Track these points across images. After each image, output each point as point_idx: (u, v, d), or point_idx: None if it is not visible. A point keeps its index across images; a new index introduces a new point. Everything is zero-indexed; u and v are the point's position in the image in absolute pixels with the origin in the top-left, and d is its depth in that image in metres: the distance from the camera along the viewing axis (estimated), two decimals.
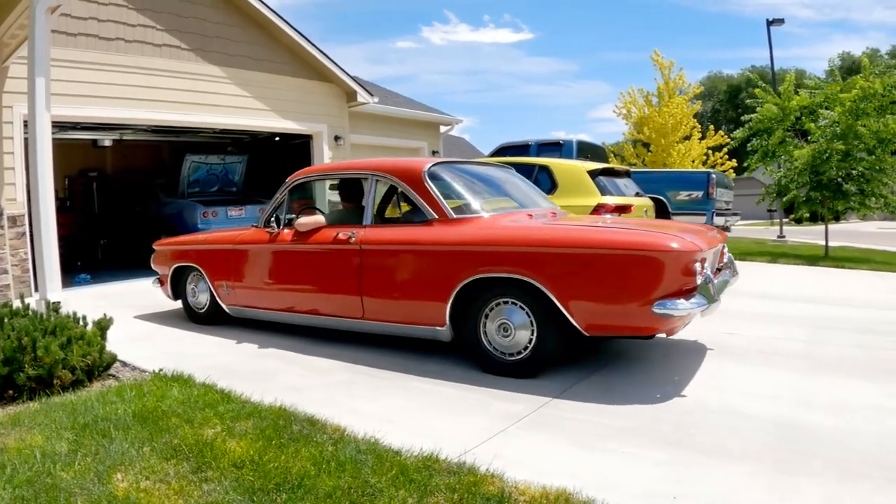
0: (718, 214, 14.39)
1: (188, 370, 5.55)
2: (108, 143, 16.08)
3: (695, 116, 26.67)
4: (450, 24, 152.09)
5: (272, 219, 7.13)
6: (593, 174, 9.83)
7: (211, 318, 7.87)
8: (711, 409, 4.69)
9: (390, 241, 6.07)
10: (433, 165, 6.32)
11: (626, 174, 11.48)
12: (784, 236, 24.34)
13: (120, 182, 17.47)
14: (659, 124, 25.00)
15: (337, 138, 16.18)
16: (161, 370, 5.57)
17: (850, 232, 29.81)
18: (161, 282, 8.58)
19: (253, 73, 14.36)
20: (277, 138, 16.86)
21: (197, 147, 16.53)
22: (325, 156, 15.93)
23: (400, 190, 6.37)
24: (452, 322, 5.66)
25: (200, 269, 7.86)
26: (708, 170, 17.86)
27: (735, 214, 16.16)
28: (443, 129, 22.59)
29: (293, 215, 7.09)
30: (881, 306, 8.66)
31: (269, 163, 17.58)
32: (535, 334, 5.28)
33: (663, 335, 5.13)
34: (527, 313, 5.28)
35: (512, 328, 5.35)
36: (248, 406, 4.65)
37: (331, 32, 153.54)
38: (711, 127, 27.83)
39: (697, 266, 4.93)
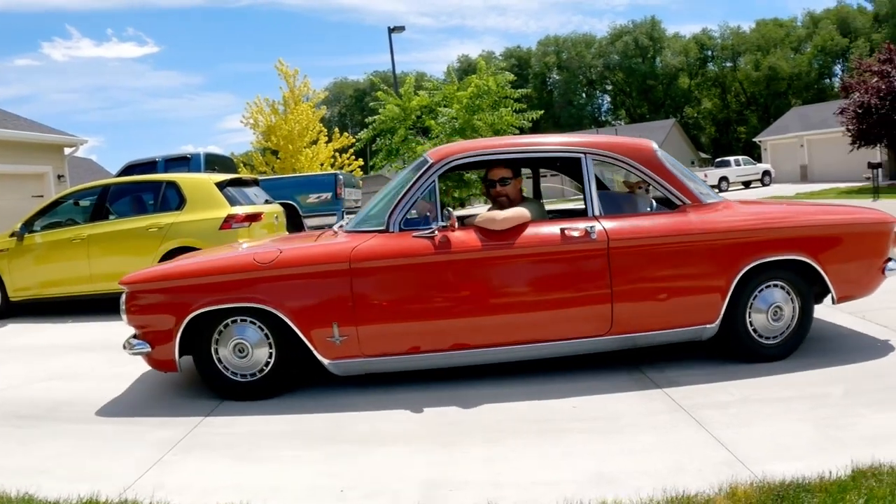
0: (348, 213, 15.06)
1: None
2: None
3: (322, 121, 27.59)
4: (72, 40, 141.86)
5: (405, 218, 5.29)
6: (221, 186, 9.91)
7: (266, 388, 5.32)
8: (355, 404, 5.02)
9: (653, 233, 5.28)
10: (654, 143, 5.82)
11: (255, 182, 11.70)
12: None
13: None
14: (286, 131, 25.52)
15: None
16: None
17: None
18: (150, 341, 5.31)
19: None
20: None
21: None
22: None
23: (634, 171, 5.59)
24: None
25: (276, 310, 5.07)
26: (336, 171, 18.68)
27: None
28: (67, 150, 21.52)
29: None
30: None
31: None
32: (796, 313, 5.43)
33: None
34: (788, 293, 5.42)
35: (782, 311, 5.38)
36: None
37: None
38: (337, 130, 28.90)
39: None
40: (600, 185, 6.05)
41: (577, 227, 5.18)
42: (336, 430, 4.52)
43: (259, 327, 5.21)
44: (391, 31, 30.28)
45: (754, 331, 5.38)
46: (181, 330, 5.15)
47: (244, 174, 15.48)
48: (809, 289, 5.47)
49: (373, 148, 19.51)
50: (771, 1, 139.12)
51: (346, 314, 5.04)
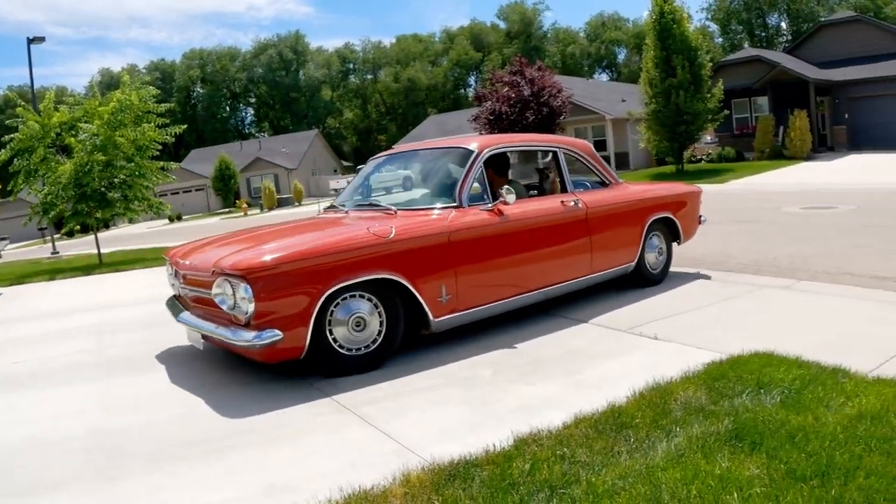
0: None
1: None
2: None
3: None
4: None
5: (467, 196, 6.48)
6: None
7: (377, 359, 5.67)
8: (13, 447, 4.65)
9: (606, 202, 7.66)
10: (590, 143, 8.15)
11: None
12: (58, 252, 24.87)
13: None
14: None
15: None
16: None
17: (122, 236, 31.55)
18: (281, 328, 5.09)
19: None
20: None
21: None
22: None
23: (582, 161, 7.89)
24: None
25: (403, 279, 5.64)
26: None
27: (3, 239, 15.89)
28: None
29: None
30: (158, 300, 8.13)
31: None
32: (665, 250, 8.48)
33: None
34: (661, 238, 8.39)
35: (662, 250, 8.40)
36: None
37: None
38: None
39: None
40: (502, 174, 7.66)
41: (568, 200, 7.25)
42: None
43: (368, 299, 5.61)
44: (30, 41, 28.54)
45: (648, 265, 8.17)
46: (317, 309, 5.24)
47: None
48: (670, 235, 8.57)
49: (10, 170, 18.17)
50: (411, 17, 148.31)
51: (449, 276, 6.00)
